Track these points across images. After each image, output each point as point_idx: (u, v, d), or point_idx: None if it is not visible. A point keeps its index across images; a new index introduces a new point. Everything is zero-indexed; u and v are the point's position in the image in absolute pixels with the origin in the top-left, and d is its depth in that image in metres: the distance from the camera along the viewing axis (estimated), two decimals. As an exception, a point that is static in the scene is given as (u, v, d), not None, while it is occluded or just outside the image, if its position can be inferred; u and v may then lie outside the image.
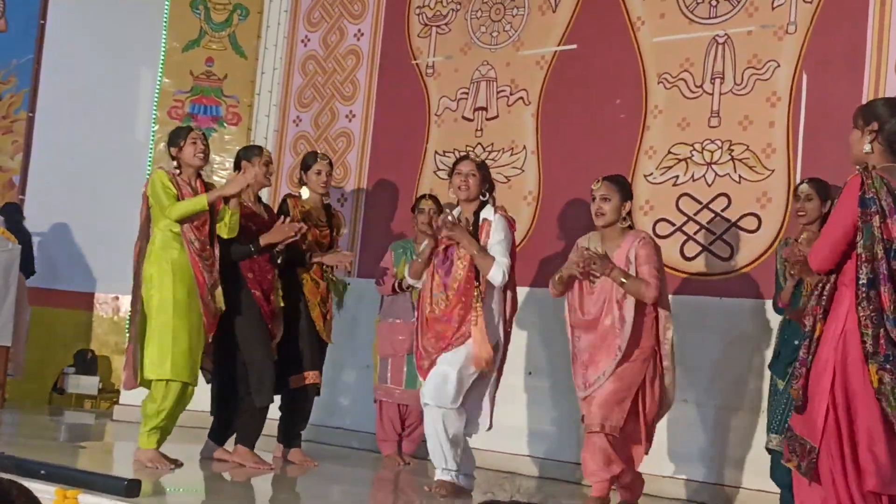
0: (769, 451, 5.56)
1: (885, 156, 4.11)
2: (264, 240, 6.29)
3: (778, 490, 5.56)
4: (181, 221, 5.97)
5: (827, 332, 4.05)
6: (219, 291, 6.09)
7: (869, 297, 3.94)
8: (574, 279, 5.55)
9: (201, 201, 5.97)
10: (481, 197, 5.73)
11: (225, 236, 6.14)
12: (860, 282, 3.96)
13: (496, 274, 5.52)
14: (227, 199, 6.09)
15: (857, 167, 4.11)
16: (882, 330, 3.93)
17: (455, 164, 5.82)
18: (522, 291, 7.06)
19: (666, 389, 5.54)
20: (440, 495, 5.52)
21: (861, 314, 3.95)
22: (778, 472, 5.50)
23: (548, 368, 7.01)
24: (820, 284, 4.15)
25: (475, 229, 5.64)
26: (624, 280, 5.35)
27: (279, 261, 6.47)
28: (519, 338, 7.10)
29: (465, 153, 5.97)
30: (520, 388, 7.12)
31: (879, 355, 3.92)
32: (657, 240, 6.68)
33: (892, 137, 4.10)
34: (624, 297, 5.38)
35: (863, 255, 3.97)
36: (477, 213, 5.70)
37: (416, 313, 5.92)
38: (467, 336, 5.52)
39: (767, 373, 5.78)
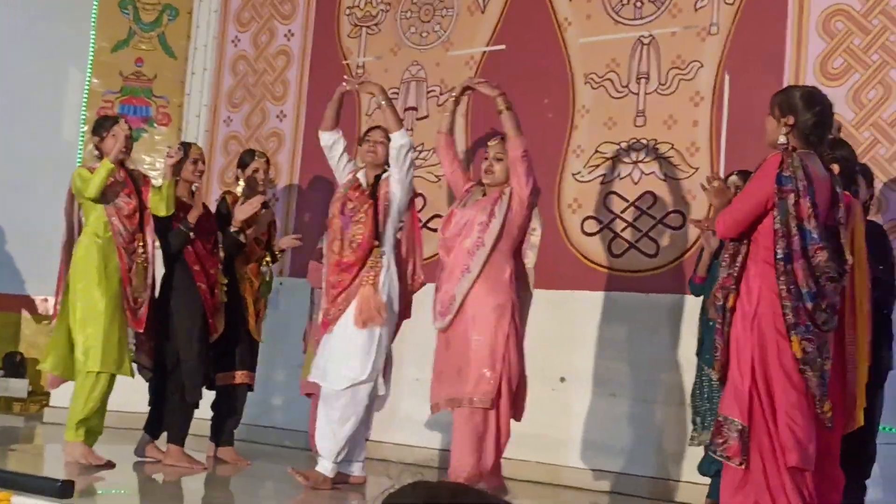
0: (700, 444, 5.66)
1: (802, 145, 4.26)
2: (241, 214, 6.48)
3: (706, 480, 5.68)
4: (104, 198, 5.98)
5: (740, 311, 4.18)
6: (138, 280, 6.10)
7: (787, 271, 4.09)
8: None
9: (105, 165, 5.97)
10: (386, 166, 5.91)
11: (162, 213, 6.16)
12: (777, 256, 4.11)
13: (399, 136, 5.72)
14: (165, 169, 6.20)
15: (778, 147, 4.25)
16: (800, 303, 4.07)
17: (366, 132, 6.04)
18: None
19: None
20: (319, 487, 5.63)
21: (781, 287, 4.09)
22: (704, 463, 5.61)
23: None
24: (728, 255, 4.28)
25: (374, 190, 5.81)
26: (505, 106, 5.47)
27: (240, 239, 6.56)
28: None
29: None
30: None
31: (801, 326, 4.06)
32: (585, 237, 6.82)
33: (807, 131, 4.26)
34: (487, 224, 5.35)
35: (779, 231, 4.11)
36: (377, 177, 5.89)
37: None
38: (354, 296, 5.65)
39: (692, 366, 5.89)
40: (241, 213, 6.53)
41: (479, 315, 5.29)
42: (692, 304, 6.30)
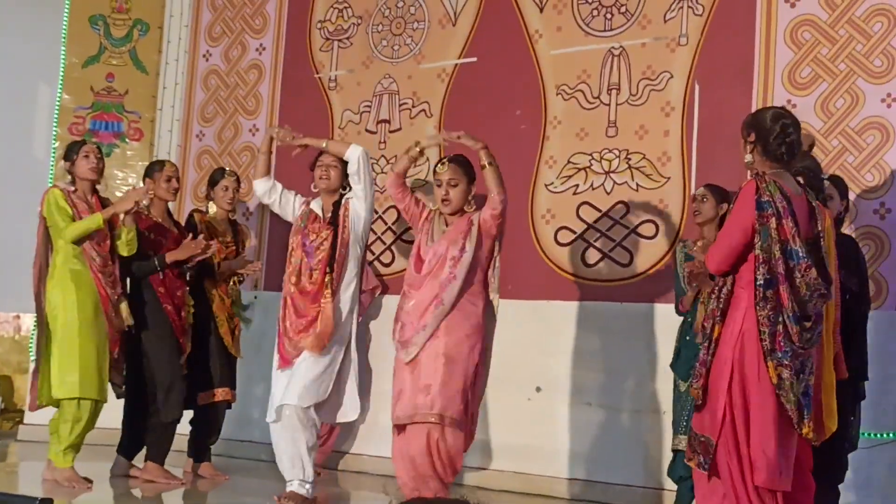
0: (674, 451, 5.71)
1: (768, 162, 4.33)
2: (171, 257, 6.33)
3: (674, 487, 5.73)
4: (78, 242, 5.96)
5: (725, 333, 4.23)
6: (124, 306, 6.10)
7: (766, 297, 4.14)
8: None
9: (96, 219, 5.97)
10: (342, 190, 5.90)
11: (124, 254, 6.17)
12: (758, 282, 4.15)
13: (352, 150, 5.74)
14: (123, 216, 6.09)
15: (752, 173, 4.33)
16: (779, 327, 4.12)
17: (316, 157, 5.96)
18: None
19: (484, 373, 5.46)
20: None
21: (759, 313, 4.14)
22: (674, 469, 5.67)
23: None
24: (717, 287, 4.34)
25: (334, 217, 5.78)
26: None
27: (188, 276, 6.51)
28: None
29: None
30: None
31: (777, 352, 4.11)
32: (558, 247, 6.86)
33: (767, 147, 4.34)
34: (459, 258, 5.33)
35: (760, 257, 4.16)
36: (336, 204, 5.84)
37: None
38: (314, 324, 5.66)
39: (669, 375, 5.95)
40: (177, 254, 6.37)
41: (452, 343, 5.27)
42: (665, 313, 6.35)
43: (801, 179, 4.50)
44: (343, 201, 5.84)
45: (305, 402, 5.57)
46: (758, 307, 4.15)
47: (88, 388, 5.89)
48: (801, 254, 4.15)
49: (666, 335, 6.34)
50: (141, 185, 6.83)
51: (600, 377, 6.67)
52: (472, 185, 5.53)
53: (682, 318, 5.80)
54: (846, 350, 4.66)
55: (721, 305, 4.29)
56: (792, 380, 4.11)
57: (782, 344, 4.12)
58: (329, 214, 5.82)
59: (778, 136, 4.33)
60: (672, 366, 5.80)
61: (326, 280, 5.69)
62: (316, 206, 5.89)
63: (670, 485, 5.96)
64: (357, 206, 5.79)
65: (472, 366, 5.29)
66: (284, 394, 5.61)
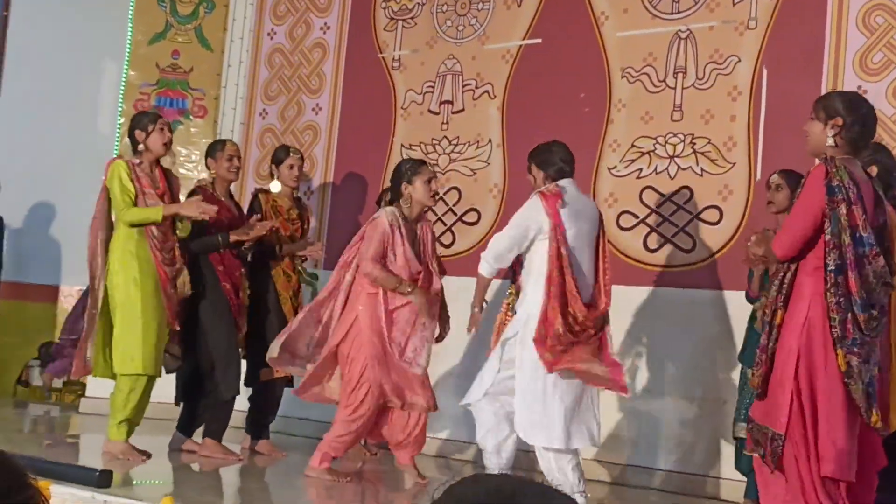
0: (736, 439, 5.65)
1: (845, 150, 4.23)
2: (235, 236, 6.35)
3: (744, 478, 5.66)
4: (133, 225, 5.98)
5: (790, 321, 4.15)
6: (182, 279, 6.09)
7: (837, 283, 4.05)
8: None
9: (157, 214, 5.95)
10: None
11: (181, 235, 6.23)
12: (829, 268, 4.06)
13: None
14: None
15: (820, 157, 4.23)
16: (850, 314, 4.04)
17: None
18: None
19: None
20: None
21: (830, 300, 4.05)
22: (742, 460, 5.60)
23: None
24: (780, 273, 4.26)
25: None
26: None
27: (248, 257, 6.55)
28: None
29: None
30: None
31: (847, 339, 4.03)
32: (621, 231, 6.80)
33: (855, 136, 4.21)
34: None
35: (831, 242, 4.07)
36: None
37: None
38: None
39: (729, 363, 5.88)
40: (241, 234, 6.41)
41: None
42: (728, 300, 6.29)
43: (870, 170, 4.40)
44: None
45: None
46: (828, 293, 4.06)
47: (149, 365, 5.92)
48: (870, 241, 4.06)
49: (727, 322, 6.28)
50: (203, 164, 6.90)
51: (660, 364, 6.61)
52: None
53: (751, 308, 5.71)
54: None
55: (784, 292, 4.21)
56: (860, 367, 4.03)
57: (852, 331, 4.04)
58: None
59: (862, 125, 4.22)
60: (740, 357, 5.72)
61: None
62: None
63: (730, 473, 5.90)
64: None
65: None
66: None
